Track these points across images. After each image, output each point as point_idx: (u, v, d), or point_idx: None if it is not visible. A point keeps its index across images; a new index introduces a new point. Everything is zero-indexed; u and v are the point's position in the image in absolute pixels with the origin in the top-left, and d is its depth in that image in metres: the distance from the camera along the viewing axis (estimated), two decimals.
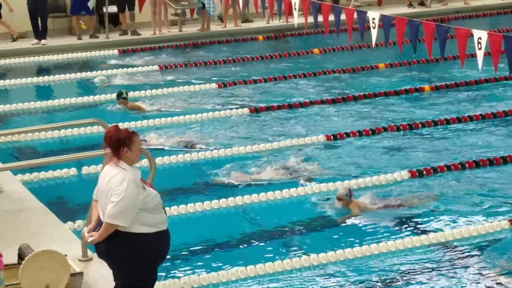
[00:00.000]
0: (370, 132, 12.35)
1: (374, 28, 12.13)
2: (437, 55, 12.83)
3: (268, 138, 12.20)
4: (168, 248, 6.13)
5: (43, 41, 18.16)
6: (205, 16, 19.53)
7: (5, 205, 9.01)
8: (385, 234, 8.93)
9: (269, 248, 8.71)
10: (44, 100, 14.30)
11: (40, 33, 18.11)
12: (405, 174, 10.59)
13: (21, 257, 6.75)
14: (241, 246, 8.83)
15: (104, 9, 18.94)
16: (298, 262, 8.21)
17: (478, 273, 8.00)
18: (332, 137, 12.14)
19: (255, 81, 15.56)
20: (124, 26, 19.27)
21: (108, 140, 6.00)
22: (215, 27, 19.87)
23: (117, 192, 5.87)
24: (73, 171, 10.77)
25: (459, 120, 12.82)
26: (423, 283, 7.86)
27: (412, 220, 9.35)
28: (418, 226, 9.21)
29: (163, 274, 7.80)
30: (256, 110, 13.63)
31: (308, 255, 8.31)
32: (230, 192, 10.12)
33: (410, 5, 21.71)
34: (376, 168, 10.92)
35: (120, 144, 5.98)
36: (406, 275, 8.04)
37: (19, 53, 17.78)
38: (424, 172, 10.64)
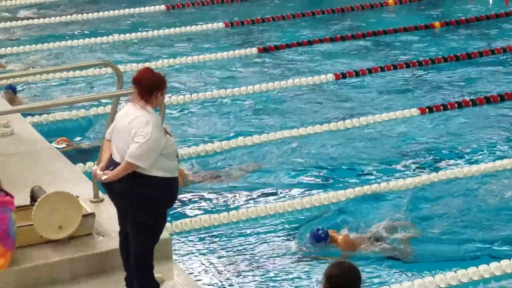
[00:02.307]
0: (379, 69, 12.29)
1: None
2: None
3: (277, 78, 12.15)
4: (177, 195, 6.18)
5: None
6: None
7: (16, 147, 9.04)
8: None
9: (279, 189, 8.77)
10: (51, 42, 14.22)
11: None
12: (414, 111, 10.57)
13: (33, 198, 6.80)
14: (250, 188, 8.88)
15: None
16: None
17: None
18: (341, 75, 12.08)
19: (263, 20, 15.43)
20: None
21: (144, 82, 5.90)
22: None
23: (142, 133, 5.85)
24: (82, 112, 10.77)
25: (469, 56, 12.73)
26: None
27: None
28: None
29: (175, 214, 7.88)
30: (264, 50, 13.55)
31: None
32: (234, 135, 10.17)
33: None
34: (386, 106, 10.90)
35: (155, 87, 5.93)
36: None
37: None
38: (434, 109, 10.62)
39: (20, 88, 11.78)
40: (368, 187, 8.56)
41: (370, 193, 8.48)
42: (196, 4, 16.83)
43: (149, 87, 5.93)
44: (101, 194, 7.38)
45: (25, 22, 15.61)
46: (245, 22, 15.32)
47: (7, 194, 6.22)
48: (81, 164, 9.08)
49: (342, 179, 8.93)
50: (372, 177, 8.93)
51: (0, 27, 14.88)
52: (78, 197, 6.73)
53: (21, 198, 6.85)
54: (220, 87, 11.73)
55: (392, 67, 12.38)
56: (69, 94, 11.49)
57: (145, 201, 5.98)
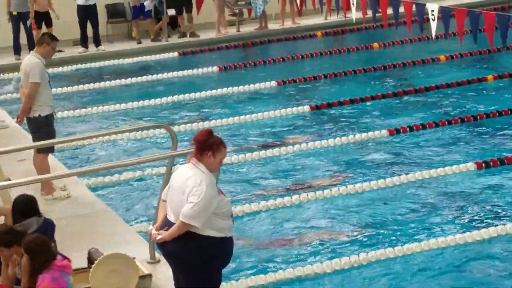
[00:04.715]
0: (434, 125, 12.20)
1: (433, 20, 12.00)
2: (499, 44, 12.64)
3: (331, 135, 12.15)
4: (231, 254, 6.18)
5: (100, 47, 18.36)
6: (263, 15, 19.54)
7: (73, 210, 9.15)
8: None
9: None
10: (105, 105, 14.45)
11: (95, 40, 18.30)
12: (471, 165, 10.44)
13: (90, 261, 6.85)
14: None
15: (164, 13, 19.10)
16: None
17: None
18: (395, 131, 12.03)
19: (315, 78, 15.50)
20: (183, 28, 19.41)
21: (198, 140, 6.07)
22: (273, 25, 19.88)
23: (196, 193, 5.91)
24: (138, 174, 10.87)
25: None
26: None
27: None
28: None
29: None
30: (317, 107, 13.58)
31: None
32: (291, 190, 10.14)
33: None
34: (441, 161, 10.80)
35: (206, 146, 6.03)
36: None
37: (78, 59, 17.98)
38: (491, 164, 10.47)
39: (74, 151, 11.97)
40: (417, 244, 8.41)
41: (419, 250, 8.33)
42: (248, 64, 17.00)
43: (201, 145, 6.02)
44: (157, 255, 7.40)
45: (81, 87, 15.93)
46: (297, 80, 15.41)
47: (64, 257, 6.27)
48: (136, 225, 9.13)
49: (395, 236, 8.80)
50: (426, 233, 8.79)
51: (60, 92, 15.16)
52: (134, 258, 6.76)
53: (79, 261, 6.90)
54: (273, 145, 11.75)
55: (446, 122, 12.29)
56: (124, 156, 11.61)
57: (198, 262, 5.98)
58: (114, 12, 19.59)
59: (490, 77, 14.60)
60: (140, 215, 9.65)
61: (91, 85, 16.02)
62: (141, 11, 18.89)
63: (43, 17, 17.62)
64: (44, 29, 17.24)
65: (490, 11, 13.65)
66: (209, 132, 6.11)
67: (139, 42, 18.88)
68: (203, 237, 5.96)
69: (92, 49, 18.39)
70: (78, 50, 18.33)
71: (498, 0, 21.09)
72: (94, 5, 18.14)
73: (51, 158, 9.95)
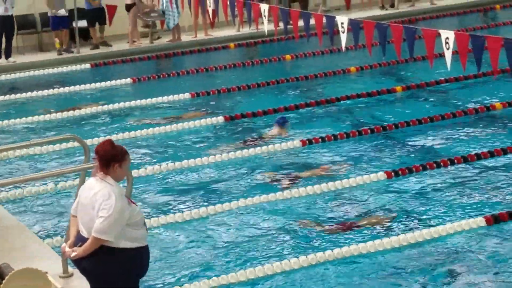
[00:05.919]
0: (345, 135, 12.44)
1: (343, 32, 12.26)
2: (406, 56, 12.98)
3: (244, 146, 12.24)
4: (148, 263, 6.18)
5: (10, 59, 18.09)
6: (176, 27, 19.58)
7: None
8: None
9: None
10: (16, 118, 14.23)
11: (6, 51, 18.03)
12: (381, 175, 10.68)
13: (1, 276, 6.75)
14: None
15: (74, 24, 18.92)
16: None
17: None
18: (307, 141, 12.21)
19: (229, 90, 15.61)
20: (95, 40, 19.27)
21: (102, 153, 5.99)
22: (186, 37, 19.94)
23: (106, 207, 5.87)
24: (49, 187, 10.75)
25: (431, 119, 12.93)
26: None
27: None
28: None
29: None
30: (231, 118, 13.68)
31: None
32: (214, 199, 10.18)
33: (383, 7, 21.97)
34: (352, 170, 11.01)
35: (112, 159, 5.99)
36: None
37: None
38: (400, 173, 10.74)
39: None
40: (329, 252, 8.56)
41: (332, 259, 8.45)
42: (161, 76, 17.00)
43: (106, 158, 5.98)
44: (70, 269, 7.34)
45: None
46: (211, 92, 15.47)
47: None
48: (49, 239, 9.02)
49: (307, 244, 8.92)
50: (336, 242, 8.93)
51: None
52: (47, 273, 6.70)
53: None
54: (187, 157, 11.75)
55: (357, 132, 12.54)
56: (36, 170, 11.46)
57: (114, 276, 5.97)
58: (24, 23, 19.31)
59: (398, 88, 14.98)
60: (53, 228, 9.55)
61: (1, 98, 15.76)
62: (61, 21, 18.65)
63: None
64: None
65: (397, 23, 13.99)
66: (111, 143, 6.05)
67: (60, 54, 18.62)
68: (118, 250, 5.94)
69: (1, 61, 18.09)
70: None
71: (405, 13, 21.67)
72: (12, 15, 17.88)
73: None
